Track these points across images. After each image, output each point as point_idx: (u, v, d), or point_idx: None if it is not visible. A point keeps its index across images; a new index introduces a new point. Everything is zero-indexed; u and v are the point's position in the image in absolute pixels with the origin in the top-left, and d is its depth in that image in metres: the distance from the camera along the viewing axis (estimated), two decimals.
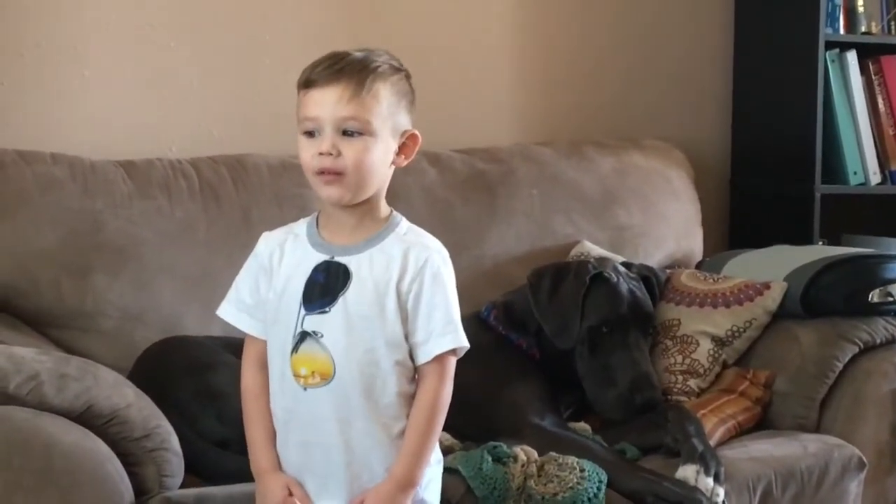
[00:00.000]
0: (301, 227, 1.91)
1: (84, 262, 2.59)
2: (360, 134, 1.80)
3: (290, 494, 1.85)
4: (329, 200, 1.84)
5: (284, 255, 1.89)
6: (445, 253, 1.88)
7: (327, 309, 1.82)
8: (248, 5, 3.06)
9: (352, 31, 3.10)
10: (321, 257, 1.86)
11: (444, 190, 3.00)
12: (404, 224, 1.89)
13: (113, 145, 2.84)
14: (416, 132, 1.89)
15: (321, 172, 1.81)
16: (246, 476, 2.04)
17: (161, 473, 2.04)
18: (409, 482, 1.82)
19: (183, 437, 2.11)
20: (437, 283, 1.84)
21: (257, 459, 1.90)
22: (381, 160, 1.83)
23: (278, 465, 1.89)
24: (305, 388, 1.84)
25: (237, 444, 2.17)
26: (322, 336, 1.82)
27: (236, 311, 1.93)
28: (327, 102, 1.80)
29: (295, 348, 1.84)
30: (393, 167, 1.88)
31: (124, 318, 2.60)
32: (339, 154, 1.80)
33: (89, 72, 2.90)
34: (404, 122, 1.87)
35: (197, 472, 2.18)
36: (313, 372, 1.83)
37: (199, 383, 2.32)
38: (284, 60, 3.02)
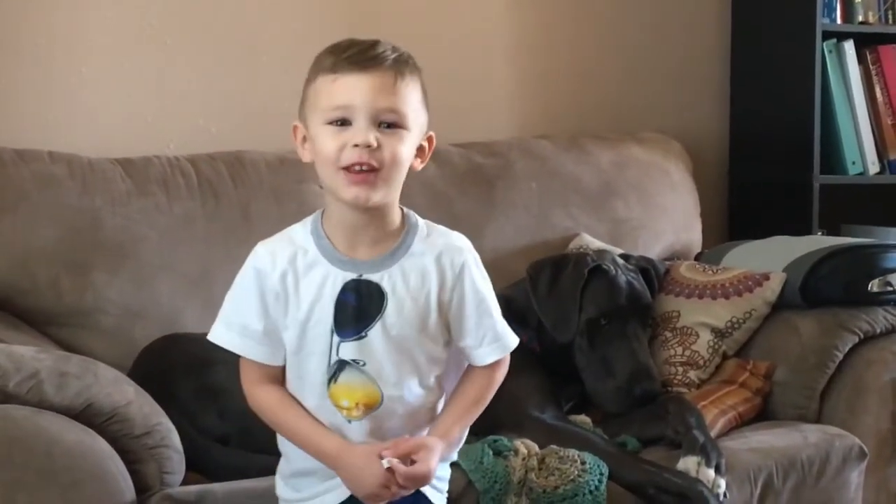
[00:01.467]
0: (304, 238, 1.72)
1: (83, 259, 2.58)
2: (398, 127, 1.64)
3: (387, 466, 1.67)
4: (356, 202, 1.65)
5: (300, 278, 1.70)
6: (470, 245, 1.76)
7: (364, 334, 1.69)
8: (246, 2, 3.06)
9: (349, 26, 3.09)
10: (347, 276, 1.69)
11: (442, 184, 2.99)
12: (421, 223, 1.75)
13: (111, 143, 2.84)
14: (433, 134, 1.74)
15: (351, 167, 1.63)
16: (247, 472, 2.05)
17: (162, 470, 2.03)
18: (447, 439, 1.76)
19: (184, 434, 2.11)
20: (478, 289, 1.73)
21: (324, 451, 1.71)
22: (408, 159, 1.67)
23: (345, 441, 1.71)
24: (350, 421, 1.72)
25: (238, 441, 2.18)
26: (365, 364, 1.70)
27: (240, 337, 1.74)
28: (363, 89, 1.63)
29: (333, 377, 1.71)
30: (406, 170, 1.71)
31: (124, 316, 2.60)
32: (379, 147, 1.63)
33: (87, 69, 2.89)
34: (427, 121, 1.72)
35: (198, 468, 2.17)
36: (357, 403, 1.71)
37: (200, 380, 2.32)
38: (282, 57, 3.02)
